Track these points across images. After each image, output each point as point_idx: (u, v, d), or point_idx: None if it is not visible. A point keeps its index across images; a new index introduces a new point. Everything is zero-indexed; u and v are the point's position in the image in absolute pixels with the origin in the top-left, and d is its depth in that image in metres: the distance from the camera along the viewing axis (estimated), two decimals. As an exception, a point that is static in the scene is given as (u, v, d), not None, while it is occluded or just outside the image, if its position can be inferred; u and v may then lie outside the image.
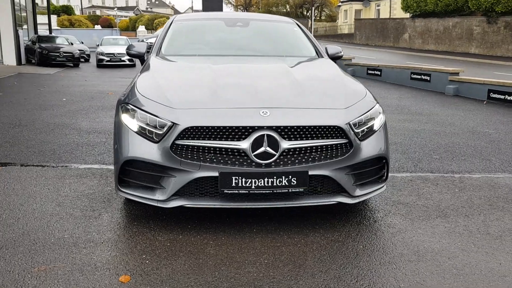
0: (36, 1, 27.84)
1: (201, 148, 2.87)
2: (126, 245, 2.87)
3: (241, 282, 2.47)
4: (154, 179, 2.98)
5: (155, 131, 2.92)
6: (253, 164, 2.84)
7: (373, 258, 2.77)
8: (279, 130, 2.86)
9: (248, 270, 2.59)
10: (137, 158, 2.96)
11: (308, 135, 2.92)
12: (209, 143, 2.86)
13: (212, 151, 2.87)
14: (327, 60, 4.32)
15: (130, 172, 3.06)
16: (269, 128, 2.84)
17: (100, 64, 19.79)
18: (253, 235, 3.03)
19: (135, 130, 3.00)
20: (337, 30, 51.97)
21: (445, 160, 5.01)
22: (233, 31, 4.86)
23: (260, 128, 2.83)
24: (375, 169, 3.27)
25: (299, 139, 2.90)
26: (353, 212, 3.45)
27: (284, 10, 69.15)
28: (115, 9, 75.62)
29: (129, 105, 3.14)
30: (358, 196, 3.13)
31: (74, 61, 19.81)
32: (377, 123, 3.24)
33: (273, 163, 2.85)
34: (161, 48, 4.47)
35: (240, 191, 2.85)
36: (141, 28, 48.15)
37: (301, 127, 2.90)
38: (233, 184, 2.82)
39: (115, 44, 21.36)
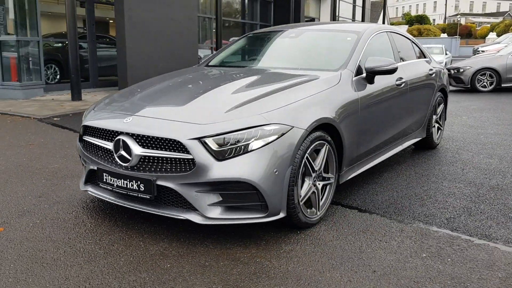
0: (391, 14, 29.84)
1: (93, 144, 3.38)
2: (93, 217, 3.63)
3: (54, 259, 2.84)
4: (84, 168, 3.62)
5: None
6: (123, 166, 3.10)
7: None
8: (134, 136, 3.05)
9: (95, 258, 2.92)
10: (77, 148, 3.65)
11: (158, 146, 2.99)
12: (96, 141, 3.33)
13: (98, 148, 3.33)
14: (327, 73, 3.83)
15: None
16: (127, 134, 3.08)
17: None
18: (182, 243, 3.13)
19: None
20: None
21: None
22: (280, 43, 4.86)
23: (121, 133, 3.11)
24: (250, 195, 2.94)
25: (150, 148, 3.01)
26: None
27: None
28: (458, 16, 71.55)
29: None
30: (213, 218, 2.95)
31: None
32: (256, 144, 2.91)
33: (135, 167, 3.06)
34: (212, 59, 4.98)
35: (107, 187, 3.21)
36: (491, 35, 44.09)
37: (151, 137, 3.00)
38: (104, 180, 3.21)
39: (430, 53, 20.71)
